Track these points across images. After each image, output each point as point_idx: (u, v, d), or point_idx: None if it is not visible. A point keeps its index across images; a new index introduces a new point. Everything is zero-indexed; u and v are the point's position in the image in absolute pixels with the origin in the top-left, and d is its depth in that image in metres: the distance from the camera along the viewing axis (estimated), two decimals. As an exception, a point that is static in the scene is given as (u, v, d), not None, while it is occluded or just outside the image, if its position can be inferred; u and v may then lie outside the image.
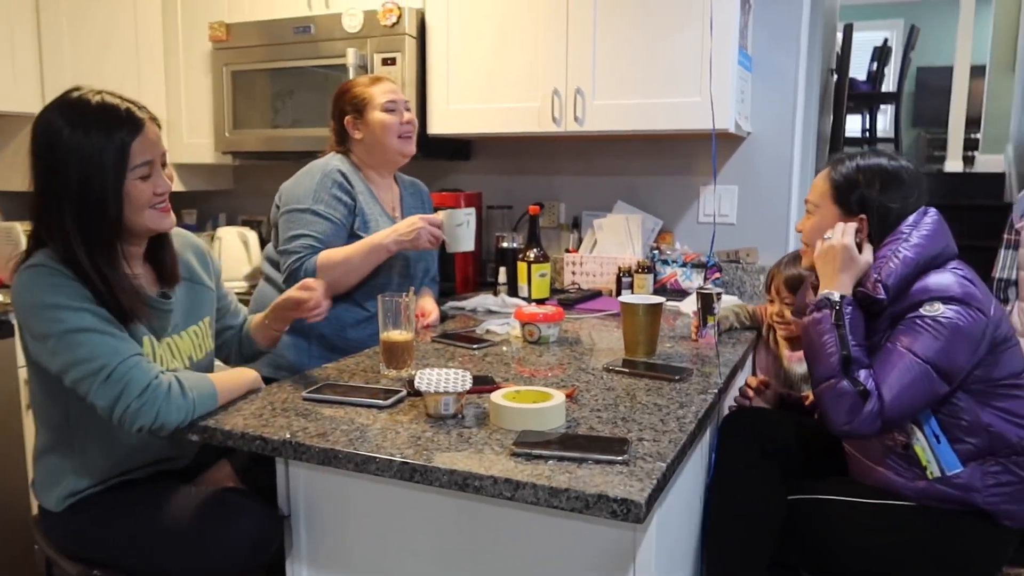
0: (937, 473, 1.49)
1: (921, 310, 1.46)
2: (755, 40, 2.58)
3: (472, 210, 2.10)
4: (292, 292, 1.62)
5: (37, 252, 1.37)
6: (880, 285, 1.50)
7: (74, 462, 1.45)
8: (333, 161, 2.06)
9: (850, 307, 1.53)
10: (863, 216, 1.59)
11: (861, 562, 1.57)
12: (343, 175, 2.02)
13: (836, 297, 1.54)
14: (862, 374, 1.46)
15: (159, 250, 1.51)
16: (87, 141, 1.32)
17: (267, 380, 1.63)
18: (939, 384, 1.44)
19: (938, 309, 1.45)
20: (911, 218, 1.56)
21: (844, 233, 1.57)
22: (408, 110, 2.11)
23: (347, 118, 2.07)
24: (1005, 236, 2.32)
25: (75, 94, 1.38)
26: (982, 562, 1.55)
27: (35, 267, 1.33)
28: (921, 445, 1.49)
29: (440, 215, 2.02)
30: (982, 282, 1.54)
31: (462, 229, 2.06)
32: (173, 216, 1.47)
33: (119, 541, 1.41)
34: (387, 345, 1.61)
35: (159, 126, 1.43)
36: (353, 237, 2.01)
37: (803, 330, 1.60)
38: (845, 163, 1.63)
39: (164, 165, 1.44)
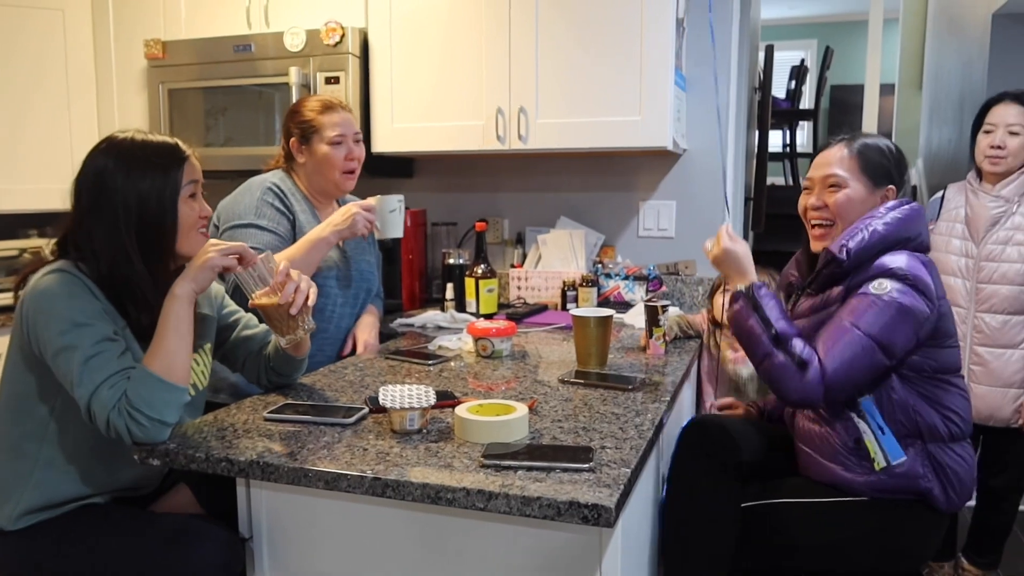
0: (883, 463, 1.57)
1: (869, 286, 1.54)
2: (688, 61, 2.69)
3: (402, 196, 2.13)
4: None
5: (59, 260, 1.42)
6: (845, 249, 1.58)
7: (35, 475, 1.42)
8: (272, 178, 2.04)
9: (762, 288, 1.61)
10: (892, 186, 1.66)
11: (813, 559, 1.65)
12: (281, 192, 2.00)
13: (743, 287, 1.62)
14: (796, 344, 1.53)
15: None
16: (144, 172, 1.42)
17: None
18: (881, 357, 1.51)
19: (885, 287, 1.52)
20: (891, 202, 1.65)
21: (720, 239, 1.66)
22: (358, 142, 2.09)
23: (292, 140, 2.05)
24: None
25: (121, 135, 1.46)
26: (919, 548, 1.65)
27: (58, 272, 1.37)
28: (869, 438, 1.57)
29: (372, 200, 2.03)
30: (940, 278, 1.62)
31: (395, 215, 2.09)
32: None
33: (77, 570, 1.37)
34: (263, 311, 1.57)
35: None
36: None
37: (732, 326, 1.66)
38: (860, 140, 1.69)
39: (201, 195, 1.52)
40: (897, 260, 1.55)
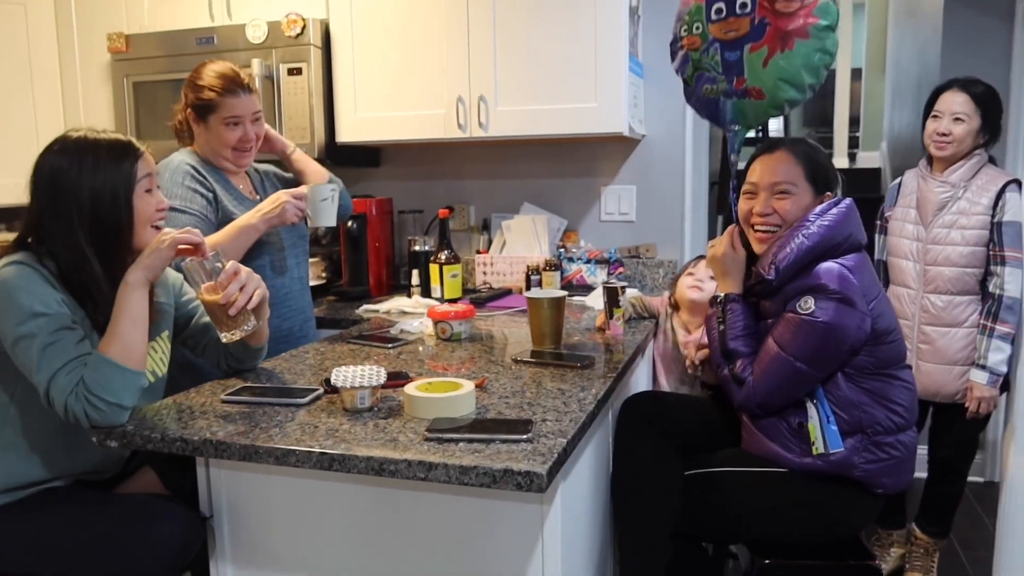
0: (822, 450, 1.63)
1: (797, 306, 1.59)
2: (645, 48, 2.74)
3: (336, 186, 2.12)
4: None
5: (17, 252, 1.45)
6: (773, 267, 1.63)
7: None
8: (180, 156, 2.00)
9: (733, 303, 1.73)
10: (828, 193, 1.71)
11: (750, 525, 1.72)
12: (194, 168, 1.97)
13: (720, 296, 1.75)
14: (738, 364, 1.69)
15: None
16: (97, 168, 1.45)
17: None
18: (809, 372, 1.60)
19: (808, 307, 1.57)
20: (820, 207, 1.67)
21: (722, 243, 1.78)
22: (255, 121, 2.03)
23: (189, 111, 2.01)
24: (878, 222, 2.55)
25: (74, 134, 1.49)
26: (852, 520, 1.72)
27: (16, 263, 1.41)
28: (814, 423, 1.63)
29: (304, 188, 2.03)
30: (873, 274, 1.66)
31: (327, 204, 2.07)
32: None
33: (37, 551, 1.41)
34: (207, 306, 1.58)
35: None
36: (219, 229, 1.94)
37: (706, 323, 1.81)
38: (801, 146, 1.73)
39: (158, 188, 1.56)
40: (826, 274, 1.58)
